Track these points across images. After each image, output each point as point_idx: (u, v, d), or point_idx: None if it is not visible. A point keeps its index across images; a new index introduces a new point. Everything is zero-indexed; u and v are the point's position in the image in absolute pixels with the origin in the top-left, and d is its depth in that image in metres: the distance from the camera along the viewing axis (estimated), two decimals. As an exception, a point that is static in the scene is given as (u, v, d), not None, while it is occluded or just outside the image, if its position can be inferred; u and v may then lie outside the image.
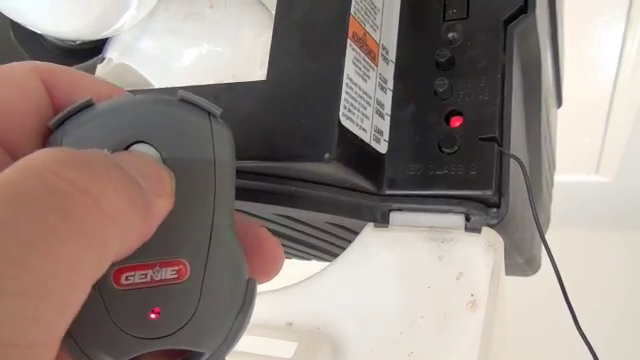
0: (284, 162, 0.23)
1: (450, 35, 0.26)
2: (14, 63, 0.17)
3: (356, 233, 0.29)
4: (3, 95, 0.16)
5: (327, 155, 0.22)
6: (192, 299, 0.17)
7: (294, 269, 0.45)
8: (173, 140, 0.17)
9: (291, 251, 0.44)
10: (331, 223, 0.31)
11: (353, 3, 0.24)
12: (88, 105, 0.17)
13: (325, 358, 0.28)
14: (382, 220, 0.27)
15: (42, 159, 0.12)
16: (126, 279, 0.16)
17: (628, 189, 1.37)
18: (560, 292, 0.26)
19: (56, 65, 0.18)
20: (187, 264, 0.17)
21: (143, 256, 0.16)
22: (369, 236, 0.28)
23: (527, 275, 0.45)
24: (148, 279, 0.17)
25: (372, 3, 0.25)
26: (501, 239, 0.25)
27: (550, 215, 0.48)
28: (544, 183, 0.40)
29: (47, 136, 0.17)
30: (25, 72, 0.17)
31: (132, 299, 0.16)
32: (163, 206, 0.16)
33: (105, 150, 0.15)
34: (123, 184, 0.14)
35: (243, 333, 0.18)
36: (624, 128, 1.19)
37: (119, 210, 0.13)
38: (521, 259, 0.36)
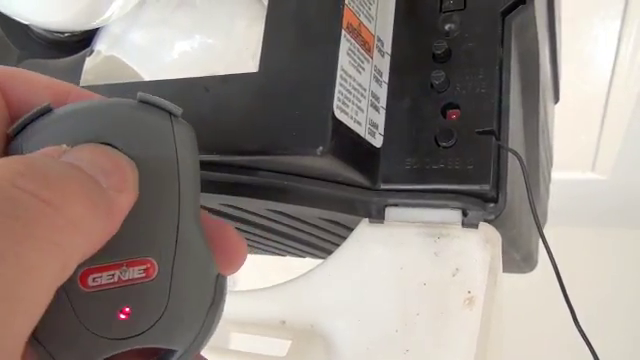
0: (276, 156, 0.23)
1: (447, 26, 0.26)
2: None
3: (351, 229, 0.28)
4: None
5: (320, 148, 0.21)
6: (161, 297, 0.17)
7: (296, 264, 0.44)
8: (135, 141, 0.17)
9: (285, 248, 0.43)
10: (325, 219, 0.31)
11: (347, -7, 0.23)
12: (47, 110, 0.17)
13: (319, 356, 0.28)
14: (377, 216, 0.27)
15: (1, 172, 0.12)
16: (93, 280, 0.16)
17: (624, 187, 1.37)
18: (558, 289, 0.26)
19: (11, 69, 0.17)
20: (154, 263, 0.17)
21: (110, 256, 0.16)
22: (364, 232, 0.27)
23: (524, 272, 0.44)
24: (116, 279, 0.17)
25: (367, -7, 0.25)
26: (499, 234, 0.25)
27: (547, 212, 0.48)
28: (541, 179, 0.40)
29: (7, 143, 0.17)
30: None
31: (100, 300, 0.16)
32: (125, 202, 0.16)
33: (64, 145, 0.15)
34: (82, 188, 0.14)
35: (215, 328, 0.18)
36: (620, 126, 1.19)
37: (80, 215, 0.13)
38: (518, 255, 0.36)
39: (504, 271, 0.42)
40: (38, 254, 0.12)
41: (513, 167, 0.25)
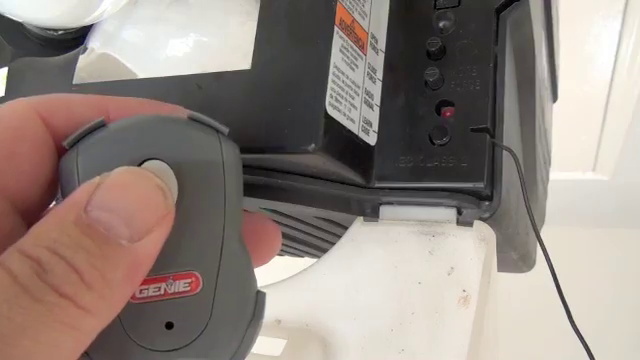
0: (269, 154, 0.23)
1: (441, 23, 0.25)
2: (8, 106, 0.17)
3: (346, 228, 0.28)
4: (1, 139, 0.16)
5: (312, 146, 0.21)
6: (205, 311, 0.17)
7: (292, 263, 0.44)
8: (184, 157, 0.18)
9: (282, 247, 0.43)
10: (320, 218, 0.30)
11: (340, -11, 0.23)
12: (101, 125, 0.18)
13: (314, 355, 0.28)
14: (372, 214, 0.27)
15: (22, 269, 0.14)
16: (140, 292, 0.17)
17: (625, 187, 1.37)
18: (555, 288, 0.26)
19: (51, 96, 0.18)
20: (199, 276, 0.17)
21: (157, 269, 0.17)
22: (359, 231, 0.27)
23: (522, 272, 0.44)
24: (162, 292, 0.17)
25: (360, -10, 0.24)
26: (493, 233, 0.25)
27: (545, 211, 0.47)
28: (539, 178, 0.39)
29: (55, 157, 0.18)
30: (20, 114, 0.17)
31: (147, 312, 0.17)
32: (155, 240, 0.16)
33: (97, 178, 0.16)
34: (101, 276, 0.14)
35: (254, 344, 0.18)
36: (621, 126, 1.19)
37: (95, 303, 0.14)
38: (515, 255, 0.36)
39: (502, 271, 0.42)
40: (56, 334, 0.14)
41: (509, 165, 0.25)
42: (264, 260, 0.21)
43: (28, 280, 0.13)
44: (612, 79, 1.12)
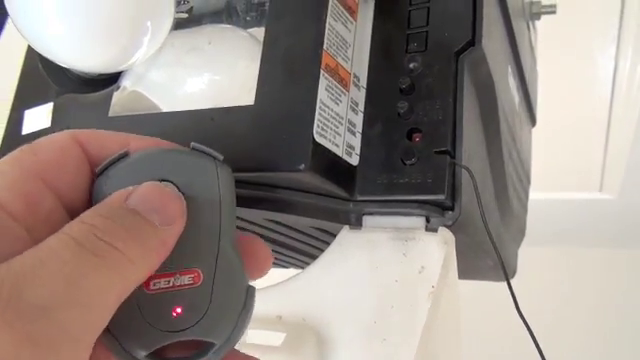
0: (269, 172, 0.28)
1: (411, 65, 0.31)
2: (56, 134, 0.23)
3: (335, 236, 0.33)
4: (52, 157, 0.22)
5: (302, 166, 0.26)
6: (205, 300, 0.22)
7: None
8: (188, 179, 0.23)
9: (285, 259, 0.48)
10: (315, 227, 0.35)
11: (325, 40, 0.28)
12: (124, 155, 0.23)
13: (310, 346, 0.32)
14: (356, 223, 0.31)
15: (81, 231, 0.19)
16: (154, 285, 0.21)
17: (632, 206, 1.38)
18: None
19: (88, 130, 0.24)
20: (200, 273, 0.22)
21: (166, 267, 0.21)
22: (345, 237, 0.32)
23: (502, 280, 0.48)
24: (171, 284, 0.21)
25: (343, 39, 0.30)
26: (453, 236, 0.30)
27: (525, 226, 0.52)
28: (513, 195, 0.44)
29: (91, 180, 0.23)
30: (65, 139, 0.23)
31: (159, 300, 0.21)
32: (176, 230, 0.21)
33: (130, 187, 0.21)
34: (140, 236, 0.19)
35: (246, 329, 0.22)
36: (624, 145, 1.21)
37: (138, 256, 0.19)
38: (491, 261, 0.40)
39: (482, 279, 0.47)
40: (108, 278, 0.18)
41: (476, 182, 0.30)
42: (260, 275, 0.25)
43: (86, 239, 0.18)
44: (612, 100, 1.16)
